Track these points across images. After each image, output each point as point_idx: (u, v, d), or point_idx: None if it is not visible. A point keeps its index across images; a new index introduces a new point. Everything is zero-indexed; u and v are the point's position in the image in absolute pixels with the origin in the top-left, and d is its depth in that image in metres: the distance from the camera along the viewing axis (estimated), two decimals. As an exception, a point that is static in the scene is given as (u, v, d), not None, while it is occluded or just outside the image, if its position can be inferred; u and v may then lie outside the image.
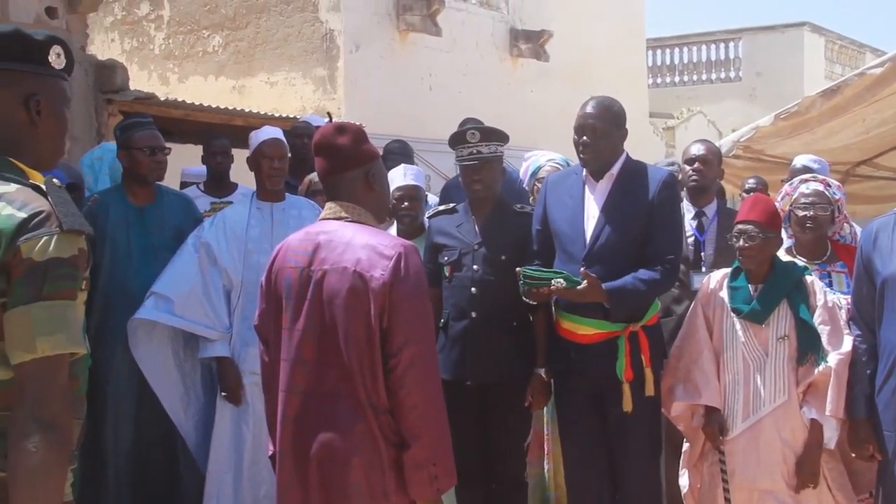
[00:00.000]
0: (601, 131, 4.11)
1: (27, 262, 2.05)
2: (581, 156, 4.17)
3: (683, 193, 4.99)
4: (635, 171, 4.20)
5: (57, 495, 2.02)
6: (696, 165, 4.92)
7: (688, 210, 4.94)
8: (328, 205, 3.11)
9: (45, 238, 2.07)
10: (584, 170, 4.22)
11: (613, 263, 4.03)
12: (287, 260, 3.05)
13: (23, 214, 2.08)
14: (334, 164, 3.06)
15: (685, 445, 4.34)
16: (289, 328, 3.00)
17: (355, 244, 2.94)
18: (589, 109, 4.14)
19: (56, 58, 2.27)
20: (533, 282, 3.96)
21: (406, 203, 4.83)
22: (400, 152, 6.02)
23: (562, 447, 4.42)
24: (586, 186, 4.21)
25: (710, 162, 4.96)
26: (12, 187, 2.13)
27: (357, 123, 3.19)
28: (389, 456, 2.89)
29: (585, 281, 3.90)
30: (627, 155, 4.24)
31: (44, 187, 2.16)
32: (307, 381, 2.96)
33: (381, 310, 2.86)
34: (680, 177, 4.91)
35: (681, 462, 4.36)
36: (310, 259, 2.99)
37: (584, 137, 4.12)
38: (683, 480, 4.31)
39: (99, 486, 4.55)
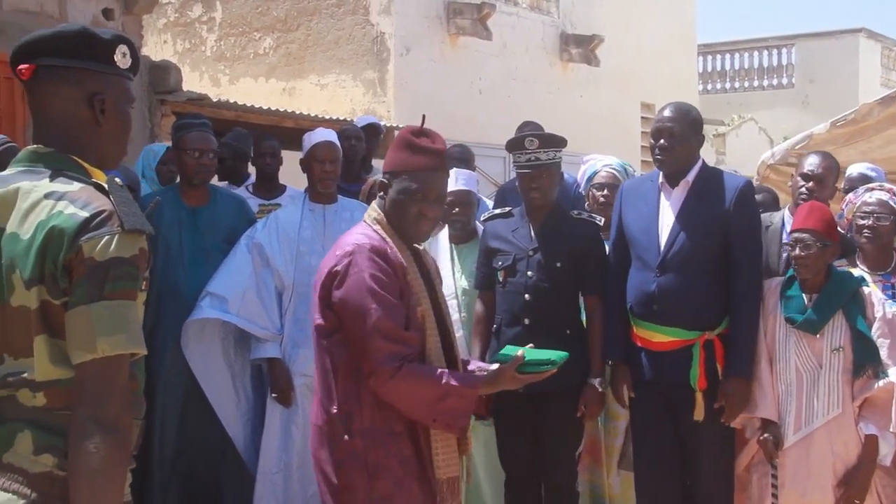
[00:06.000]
0: (679, 135, 4.09)
1: (89, 261, 2.04)
2: (658, 159, 4.15)
3: (788, 205, 4.84)
4: (711, 179, 4.17)
5: (117, 496, 2.01)
6: (810, 184, 4.59)
7: (789, 223, 4.64)
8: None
9: (106, 237, 2.06)
10: (661, 176, 4.20)
11: (686, 272, 4.03)
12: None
13: (85, 213, 2.07)
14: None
15: None
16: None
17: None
18: (667, 113, 4.14)
19: (122, 57, 2.25)
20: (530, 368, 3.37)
21: (457, 209, 4.77)
22: (460, 157, 5.91)
23: (633, 452, 4.36)
24: (662, 193, 4.20)
25: (825, 181, 4.62)
26: (75, 186, 2.13)
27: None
28: None
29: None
30: (703, 162, 4.22)
31: (106, 186, 2.16)
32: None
33: None
34: (789, 184, 4.77)
35: None
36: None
37: (662, 141, 4.11)
38: None
39: (145, 485, 4.56)
